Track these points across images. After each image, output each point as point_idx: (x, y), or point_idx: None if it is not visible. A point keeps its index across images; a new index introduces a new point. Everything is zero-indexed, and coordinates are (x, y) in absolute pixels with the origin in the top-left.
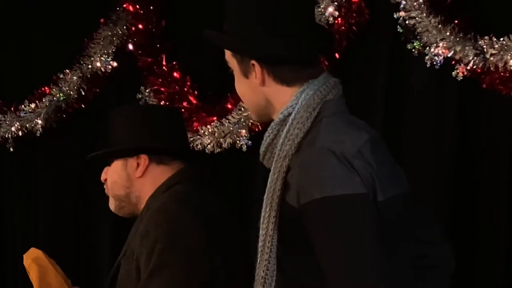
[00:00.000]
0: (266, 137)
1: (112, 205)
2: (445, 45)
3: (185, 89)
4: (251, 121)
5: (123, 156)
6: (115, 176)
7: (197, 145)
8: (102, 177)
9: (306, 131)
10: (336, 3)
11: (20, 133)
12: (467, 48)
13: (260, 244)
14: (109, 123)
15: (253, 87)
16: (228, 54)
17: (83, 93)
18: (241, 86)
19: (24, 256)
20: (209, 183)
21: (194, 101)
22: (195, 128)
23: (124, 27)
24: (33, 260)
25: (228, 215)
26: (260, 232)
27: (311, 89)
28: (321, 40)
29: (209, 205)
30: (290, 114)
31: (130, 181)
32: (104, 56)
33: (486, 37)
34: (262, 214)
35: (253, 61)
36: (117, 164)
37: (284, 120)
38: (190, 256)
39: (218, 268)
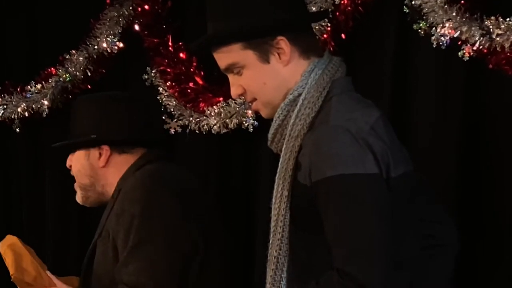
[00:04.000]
0: (276, 118)
1: (78, 197)
2: (451, 25)
3: (191, 69)
4: None
5: (85, 147)
6: (78, 165)
7: (203, 125)
8: (67, 163)
9: (317, 110)
10: None
11: (26, 114)
12: (473, 28)
13: (272, 224)
14: (71, 113)
15: (275, 72)
16: (235, 52)
17: (89, 74)
18: (261, 76)
19: (0, 243)
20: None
21: (200, 82)
22: (201, 109)
23: (130, 8)
24: (8, 246)
25: (201, 188)
26: (272, 212)
27: (319, 68)
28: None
29: (182, 180)
30: (300, 94)
31: (93, 170)
32: (110, 37)
33: (493, 18)
34: (274, 194)
35: (280, 37)
36: (80, 154)
37: (294, 101)
38: (169, 229)
39: (197, 240)
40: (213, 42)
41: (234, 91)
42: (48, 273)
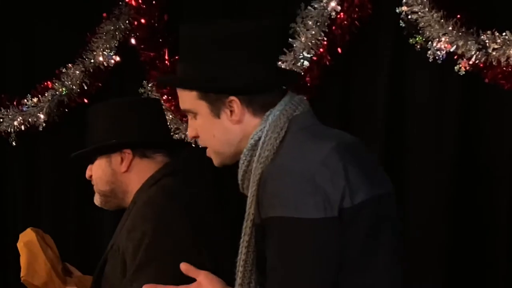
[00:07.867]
0: (241, 164)
1: (97, 200)
2: (447, 39)
3: None
4: None
5: (106, 153)
6: (100, 172)
7: None
8: (87, 174)
9: (275, 151)
10: None
11: (22, 128)
12: (469, 42)
13: (239, 269)
14: (89, 121)
15: (225, 128)
16: (191, 99)
17: (85, 88)
18: (211, 128)
19: (20, 235)
20: (201, 173)
21: None
22: None
23: (127, 22)
24: (25, 244)
25: (217, 210)
26: (239, 256)
27: (277, 110)
28: (285, 71)
29: (197, 199)
30: (260, 138)
31: (115, 176)
32: (106, 50)
33: (489, 32)
34: (241, 238)
35: (232, 98)
36: (101, 161)
37: (255, 145)
38: (177, 251)
39: (206, 264)
40: (174, 83)
41: (189, 133)
42: (68, 266)
